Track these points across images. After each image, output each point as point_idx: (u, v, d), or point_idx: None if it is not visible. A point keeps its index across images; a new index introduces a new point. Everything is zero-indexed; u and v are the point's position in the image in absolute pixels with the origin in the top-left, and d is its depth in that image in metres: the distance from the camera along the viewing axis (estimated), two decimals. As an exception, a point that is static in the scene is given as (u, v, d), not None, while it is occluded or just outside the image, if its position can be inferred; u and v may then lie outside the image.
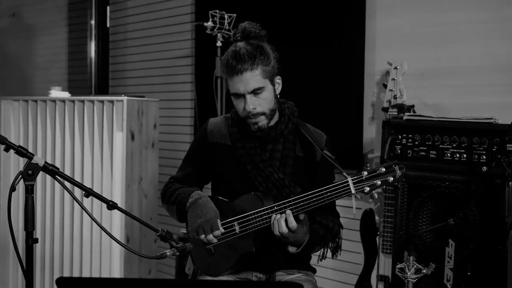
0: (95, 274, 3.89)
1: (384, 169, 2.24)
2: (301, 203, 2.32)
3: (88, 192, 2.13)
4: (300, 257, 2.52)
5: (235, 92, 2.44)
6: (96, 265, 3.89)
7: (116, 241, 2.12)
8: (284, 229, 2.31)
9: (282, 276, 2.61)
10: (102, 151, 3.87)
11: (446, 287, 2.78)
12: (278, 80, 2.52)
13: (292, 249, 2.43)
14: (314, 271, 2.74)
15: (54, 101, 4.06)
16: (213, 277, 2.57)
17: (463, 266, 2.78)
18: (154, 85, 5.14)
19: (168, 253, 2.20)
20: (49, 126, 4.08)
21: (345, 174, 2.29)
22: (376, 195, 2.27)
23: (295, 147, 2.58)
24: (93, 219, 2.10)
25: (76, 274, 3.97)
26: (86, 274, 3.93)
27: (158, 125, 4.15)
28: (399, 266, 2.74)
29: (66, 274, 4.02)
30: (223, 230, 2.45)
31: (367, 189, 2.24)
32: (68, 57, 6.08)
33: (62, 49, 6.13)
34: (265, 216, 2.38)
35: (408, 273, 2.70)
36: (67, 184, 2.14)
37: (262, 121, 2.46)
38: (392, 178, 2.24)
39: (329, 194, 2.29)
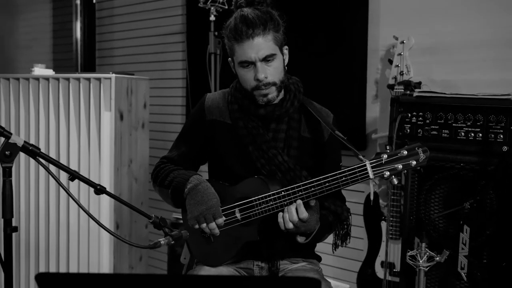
0: (83, 263, 3.68)
1: (406, 152, 2.02)
2: (312, 189, 2.11)
3: (73, 175, 1.93)
4: (306, 245, 2.31)
5: (244, 60, 2.21)
6: (84, 253, 3.68)
7: (104, 228, 1.93)
8: (295, 218, 2.11)
9: (285, 265, 2.42)
10: (89, 132, 3.63)
11: (460, 275, 2.61)
12: (285, 50, 2.32)
13: (301, 239, 2.23)
14: (319, 259, 2.55)
15: (37, 79, 3.81)
16: (211, 267, 2.37)
17: (479, 253, 2.60)
18: (144, 63, 4.91)
19: (162, 242, 2.01)
20: (32, 105, 3.83)
21: (361, 157, 2.07)
22: (395, 181, 2.04)
23: (300, 127, 2.37)
24: (79, 204, 1.90)
25: (63, 263, 3.76)
26: (73, 263, 3.72)
27: (148, 105, 3.92)
28: (410, 253, 2.56)
29: (53, 264, 3.80)
30: (224, 218, 2.25)
31: (387, 173, 2.02)
32: (52, 34, 5.83)
33: (46, 26, 5.88)
34: (271, 202, 2.18)
35: (420, 261, 2.53)
36: (51, 167, 1.92)
37: (273, 92, 2.25)
38: (414, 162, 2.01)
39: (344, 179, 2.07)
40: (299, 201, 2.12)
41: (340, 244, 2.44)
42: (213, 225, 2.23)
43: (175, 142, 2.53)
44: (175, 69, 4.67)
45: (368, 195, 3.33)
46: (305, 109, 2.37)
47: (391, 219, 3.13)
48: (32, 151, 1.86)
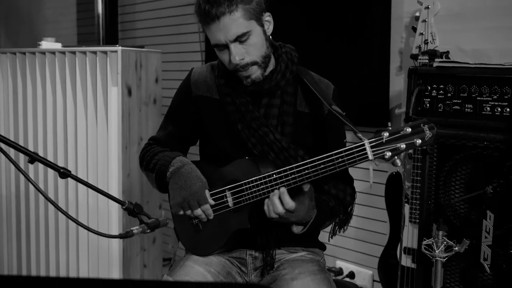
0: (93, 246, 3.53)
1: (410, 129, 1.74)
2: (306, 171, 1.87)
3: (33, 158, 1.74)
4: (306, 233, 2.08)
5: (215, 43, 1.98)
6: (93, 235, 3.53)
7: (67, 216, 1.74)
8: (280, 209, 1.88)
9: (282, 255, 2.19)
10: (96, 109, 3.45)
11: (482, 267, 2.34)
12: (267, 18, 2.04)
13: (297, 229, 2.00)
14: (323, 247, 2.31)
15: (43, 53, 3.66)
16: (201, 256, 2.17)
17: (504, 243, 2.33)
18: (166, 36, 4.70)
19: (135, 231, 1.84)
20: (39, 80, 3.68)
21: (360, 135, 1.81)
22: (399, 162, 1.77)
23: (296, 101, 2.13)
24: (37, 188, 1.72)
25: (73, 246, 3.63)
26: (83, 245, 3.58)
27: (160, 79, 3.71)
28: (425, 242, 2.31)
29: (63, 248, 3.69)
30: (212, 202, 2.04)
31: (388, 154, 1.75)
32: (77, 8, 5.69)
33: (71, 0, 5.74)
34: (262, 186, 1.94)
35: (437, 251, 2.28)
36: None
37: (255, 72, 2.01)
38: (419, 141, 1.73)
39: (340, 160, 1.82)
40: (283, 189, 1.88)
41: (338, 231, 2.20)
42: (198, 211, 2.02)
43: (163, 121, 2.33)
44: (193, 42, 4.45)
45: (391, 175, 3.06)
46: (301, 81, 2.12)
47: (413, 201, 2.86)
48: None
